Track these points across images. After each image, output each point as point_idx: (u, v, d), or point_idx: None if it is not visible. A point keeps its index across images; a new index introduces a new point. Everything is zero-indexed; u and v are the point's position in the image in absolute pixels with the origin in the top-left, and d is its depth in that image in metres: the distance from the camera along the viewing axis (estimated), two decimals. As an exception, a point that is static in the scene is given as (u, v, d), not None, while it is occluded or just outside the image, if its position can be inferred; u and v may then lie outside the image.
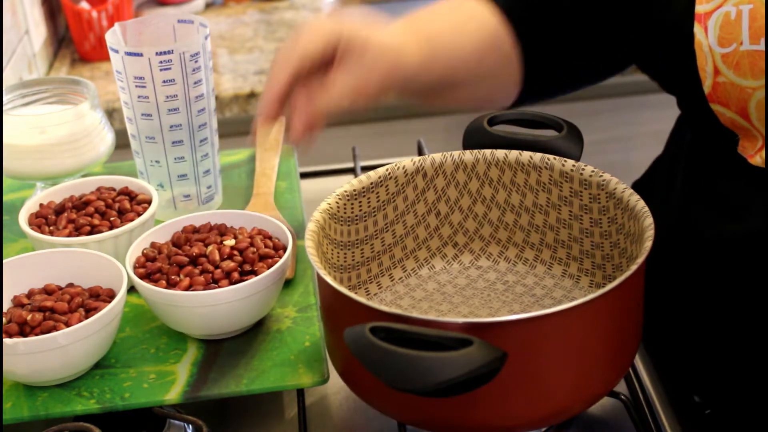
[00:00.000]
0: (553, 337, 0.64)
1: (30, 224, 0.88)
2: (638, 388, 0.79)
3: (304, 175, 1.15)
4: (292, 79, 0.78)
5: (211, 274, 0.79)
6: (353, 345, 0.61)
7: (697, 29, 0.75)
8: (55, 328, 0.75)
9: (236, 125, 1.55)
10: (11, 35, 1.45)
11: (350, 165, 1.15)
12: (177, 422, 0.76)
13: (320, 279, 0.70)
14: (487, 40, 0.89)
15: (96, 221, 0.87)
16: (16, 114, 0.97)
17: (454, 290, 0.83)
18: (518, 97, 0.94)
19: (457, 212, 0.85)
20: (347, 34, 0.77)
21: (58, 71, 1.64)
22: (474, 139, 0.84)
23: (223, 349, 0.80)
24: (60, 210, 0.89)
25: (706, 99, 0.77)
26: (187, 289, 0.78)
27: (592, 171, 0.79)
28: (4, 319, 0.77)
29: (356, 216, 0.81)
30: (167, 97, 0.91)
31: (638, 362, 0.83)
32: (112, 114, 1.51)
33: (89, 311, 0.77)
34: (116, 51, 0.90)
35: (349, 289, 0.81)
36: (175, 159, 0.95)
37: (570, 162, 0.80)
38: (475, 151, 0.83)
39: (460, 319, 0.63)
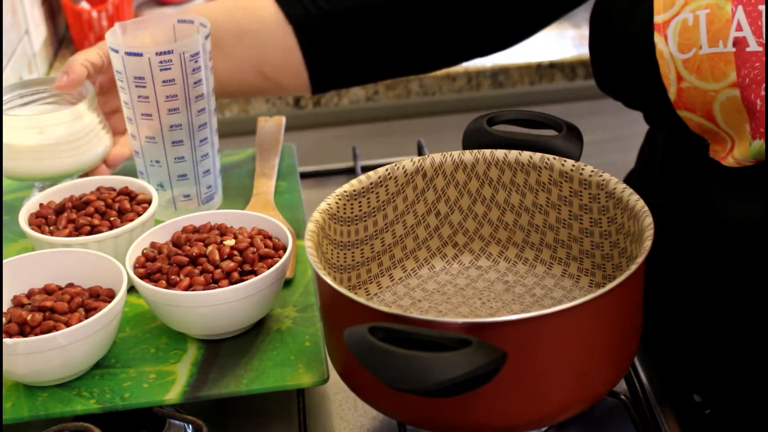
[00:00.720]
0: (553, 337, 0.64)
1: (30, 224, 0.88)
2: (638, 388, 0.79)
3: (304, 175, 1.15)
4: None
5: (211, 274, 0.79)
6: (353, 345, 0.61)
7: (658, 39, 0.76)
8: (55, 328, 0.75)
9: (236, 125, 1.55)
10: (11, 35, 1.45)
11: (350, 165, 1.15)
12: (177, 422, 0.76)
13: (320, 279, 0.70)
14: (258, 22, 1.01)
15: (96, 221, 0.87)
16: (14, 114, 0.97)
17: (454, 290, 0.83)
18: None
19: (456, 212, 0.85)
20: None
21: (58, 71, 1.64)
22: (474, 139, 0.84)
23: (223, 349, 0.80)
24: (60, 210, 0.90)
25: (673, 107, 0.78)
26: (187, 289, 0.78)
27: (592, 171, 0.79)
28: (4, 319, 0.77)
29: (356, 216, 0.81)
30: (167, 97, 0.91)
31: (638, 362, 0.83)
32: (112, 114, 1.51)
33: (89, 311, 0.77)
34: (116, 51, 0.90)
35: (349, 289, 0.81)
36: (175, 159, 0.95)
37: (570, 162, 0.80)
38: (475, 151, 0.83)
39: (460, 319, 0.63)
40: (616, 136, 1.68)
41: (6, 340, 0.73)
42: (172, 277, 0.79)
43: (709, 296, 0.85)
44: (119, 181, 0.93)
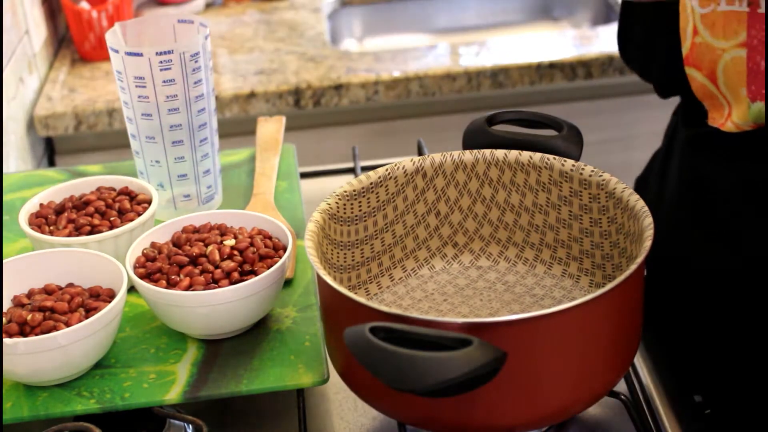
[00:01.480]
0: (553, 337, 0.64)
1: (30, 224, 0.88)
2: (638, 388, 0.79)
3: (304, 175, 1.15)
4: None
5: (211, 274, 0.79)
6: (353, 345, 0.61)
7: None
8: (55, 328, 0.75)
9: (236, 125, 1.55)
10: (11, 35, 1.45)
11: (350, 165, 1.15)
12: (177, 422, 0.76)
13: (320, 279, 0.70)
14: None
15: (96, 221, 0.87)
16: None
17: (454, 290, 0.83)
18: None
19: (456, 212, 0.85)
20: None
21: (58, 71, 1.64)
22: (474, 139, 0.84)
23: (223, 349, 0.80)
24: (60, 210, 0.89)
25: (683, 63, 0.80)
26: (187, 289, 0.78)
27: (592, 171, 0.79)
28: (4, 319, 0.77)
29: (356, 216, 0.81)
30: (167, 97, 0.91)
31: (638, 362, 0.83)
32: (112, 114, 1.51)
33: (89, 311, 0.77)
34: (116, 51, 0.90)
35: (349, 289, 0.81)
36: (175, 159, 0.95)
37: (570, 162, 0.80)
38: (475, 151, 0.83)
39: (460, 319, 0.63)
40: (616, 136, 1.68)
41: (6, 340, 0.73)
42: (172, 277, 0.79)
43: (708, 296, 0.85)
44: (119, 181, 0.93)
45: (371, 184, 0.81)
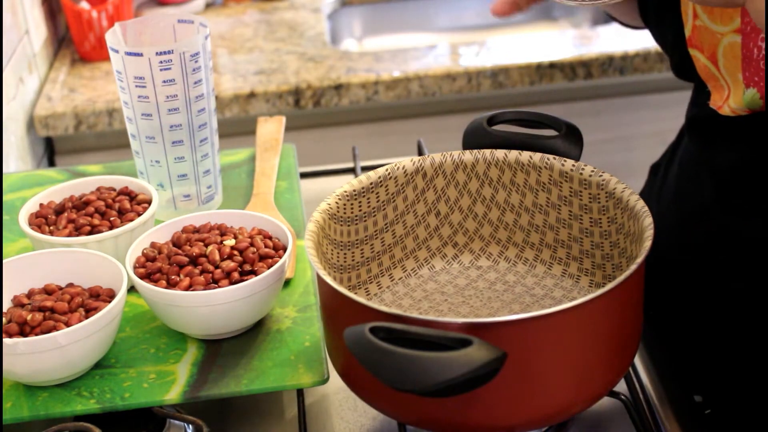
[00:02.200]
0: (553, 337, 0.64)
1: (30, 224, 0.88)
2: (638, 388, 0.79)
3: (304, 175, 1.15)
4: None
5: (211, 274, 0.79)
6: (353, 345, 0.61)
7: None
8: (55, 328, 0.75)
9: (236, 125, 1.55)
10: (11, 35, 1.45)
11: (350, 165, 1.15)
12: (177, 422, 0.76)
13: (320, 279, 0.70)
14: None
15: (96, 221, 0.87)
16: None
17: (454, 290, 0.83)
18: None
19: (456, 212, 0.85)
20: None
21: (58, 71, 1.64)
22: (474, 139, 0.84)
23: (223, 349, 0.80)
24: (60, 210, 0.89)
25: (686, 44, 0.81)
26: (187, 289, 0.78)
27: (592, 171, 0.79)
28: (4, 319, 0.77)
29: (356, 216, 0.81)
30: (167, 97, 0.91)
31: (638, 362, 0.83)
32: (112, 114, 1.51)
33: (89, 311, 0.77)
34: (116, 51, 0.90)
35: (349, 289, 0.81)
36: (175, 159, 0.95)
37: (570, 162, 0.80)
38: (475, 151, 0.83)
39: (460, 319, 0.63)
40: (616, 136, 1.68)
41: (6, 340, 0.73)
42: (172, 277, 0.79)
43: (709, 297, 0.85)
44: (119, 181, 0.93)
45: (371, 184, 0.81)
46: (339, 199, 0.79)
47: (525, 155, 0.82)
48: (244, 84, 1.55)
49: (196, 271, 0.80)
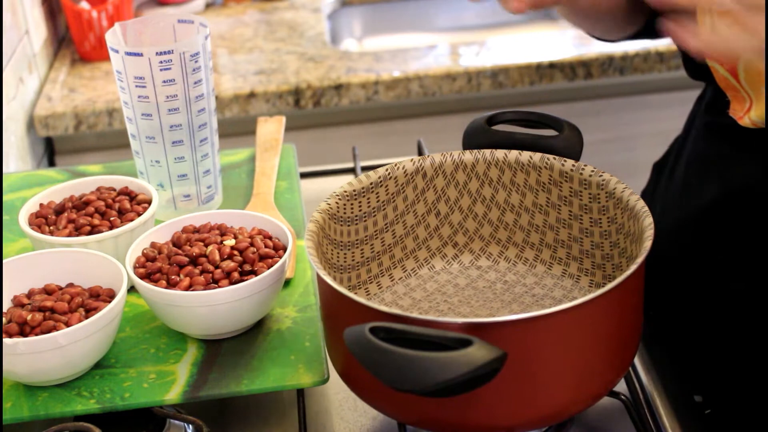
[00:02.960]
0: (553, 337, 0.64)
1: (30, 224, 0.88)
2: (638, 388, 0.79)
3: (304, 175, 1.15)
4: None
5: (211, 274, 0.79)
6: (353, 345, 0.61)
7: None
8: (55, 328, 0.75)
9: (236, 125, 1.55)
10: (11, 35, 1.45)
11: (350, 165, 1.15)
12: (177, 422, 0.76)
13: (320, 279, 0.70)
14: None
15: (96, 221, 0.87)
16: None
17: (454, 290, 0.83)
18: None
19: (456, 212, 0.85)
20: None
21: (58, 71, 1.64)
22: (474, 139, 0.84)
23: (223, 349, 0.80)
24: (60, 210, 0.89)
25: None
26: (187, 289, 0.78)
27: (592, 171, 0.79)
28: (4, 319, 0.77)
29: (356, 216, 0.81)
30: (167, 97, 0.91)
31: (638, 362, 0.83)
32: (112, 114, 1.51)
33: (89, 311, 0.77)
34: (116, 51, 0.90)
35: (349, 289, 0.81)
36: (175, 159, 0.95)
37: (570, 162, 0.80)
38: (475, 151, 0.83)
39: (460, 319, 0.63)
40: (616, 136, 1.68)
41: (6, 340, 0.73)
42: (172, 277, 0.79)
43: (709, 296, 0.85)
44: (119, 181, 0.93)
45: (371, 184, 0.81)
46: (339, 199, 0.79)
47: (525, 155, 0.82)
48: (244, 84, 1.55)
49: (196, 271, 0.80)
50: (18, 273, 0.81)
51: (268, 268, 0.79)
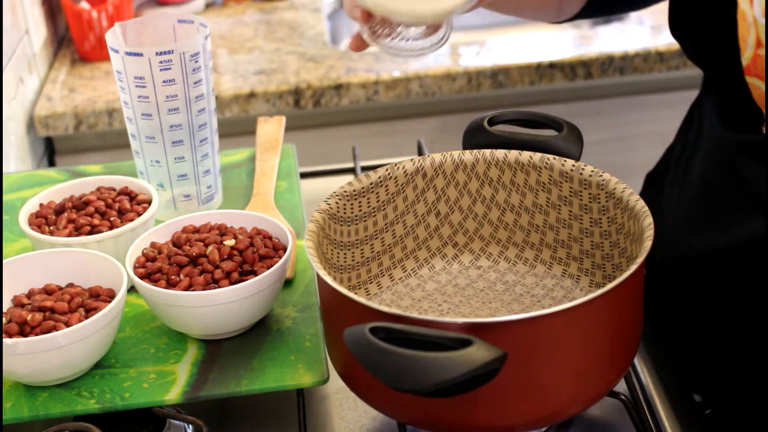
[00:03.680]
0: (553, 337, 0.64)
1: (30, 224, 0.88)
2: (638, 388, 0.79)
3: (304, 175, 1.15)
4: None
5: (211, 274, 0.79)
6: (353, 345, 0.61)
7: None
8: (55, 328, 0.75)
9: (236, 125, 1.55)
10: (11, 35, 1.45)
11: (350, 165, 1.15)
12: (177, 422, 0.76)
13: (320, 279, 0.70)
14: None
15: (96, 221, 0.87)
16: None
17: (454, 290, 0.83)
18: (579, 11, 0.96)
19: (456, 212, 0.85)
20: None
21: (58, 71, 1.64)
22: (474, 139, 0.84)
23: (223, 349, 0.80)
24: (60, 210, 0.89)
25: (739, 72, 0.75)
26: (187, 289, 0.78)
27: (592, 171, 0.79)
28: (4, 319, 0.77)
29: (356, 216, 0.81)
30: (167, 97, 0.91)
31: (638, 362, 0.83)
32: (112, 114, 1.51)
33: (89, 311, 0.77)
34: (116, 51, 0.90)
35: (349, 289, 0.81)
36: (175, 159, 0.95)
37: (570, 162, 0.80)
38: (475, 151, 0.83)
39: (460, 320, 0.63)
40: (616, 136, 1.68)
41: (6, 340, 0.73)
42: (172, 277, 0.79)
43: (708, 296, 0.85)
44: (119, 181, 0.93)
45: (371, 184, 0.81)
46: (339, 199, 0.79)
47: (525, 155, 0.82)
48: (244, 84, 1.55)
49: (196, 271, 0.80)
50: (18, 273, 0.81)
51: (268, 268, 0.79)
